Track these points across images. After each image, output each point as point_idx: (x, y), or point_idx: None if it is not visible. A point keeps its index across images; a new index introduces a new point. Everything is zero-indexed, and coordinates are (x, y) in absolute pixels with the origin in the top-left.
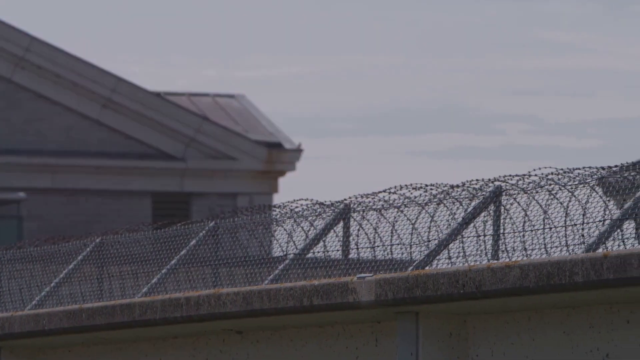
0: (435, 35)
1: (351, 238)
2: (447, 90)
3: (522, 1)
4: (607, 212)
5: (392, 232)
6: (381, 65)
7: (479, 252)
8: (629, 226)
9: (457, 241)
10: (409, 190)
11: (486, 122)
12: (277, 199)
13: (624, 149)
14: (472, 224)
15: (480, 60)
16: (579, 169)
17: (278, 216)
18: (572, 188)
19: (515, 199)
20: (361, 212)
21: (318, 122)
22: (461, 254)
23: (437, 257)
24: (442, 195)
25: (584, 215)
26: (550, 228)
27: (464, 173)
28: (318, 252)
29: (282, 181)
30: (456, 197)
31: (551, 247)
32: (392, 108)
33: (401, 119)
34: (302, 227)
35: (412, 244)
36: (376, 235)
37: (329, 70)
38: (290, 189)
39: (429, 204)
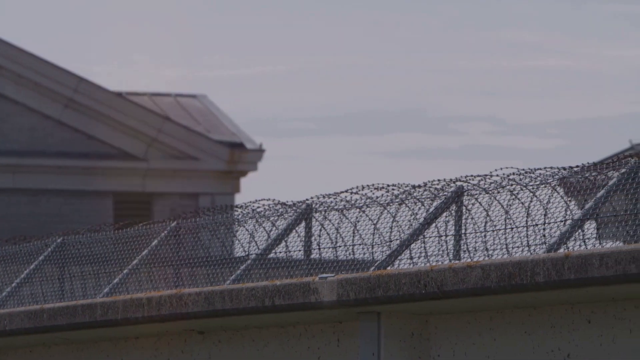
0: (397, 36)
1: (313, 238)
2: (409, 91)
3: (484, 2)
4: (568, 212)
5: (354, 232)
6: (343, 66)
7: (440, 252)
8: (590, 226)
9: (419, 241)
10: (371, 191)
11: (448, 122)
12: (239, 199)
13: (585, 149)
14: (433, 224)
15: (441, 60)
16: (541, 169)
17: (240, 216)
18: (533, 188)
19: (476, 199)
20: (323, 212)
21: (280, 122)
22: (423, 254)
23: (399, 257)
24: (404, 196)
25: (545, 215)
26: (512, 228)
27: (426, 173)
28: (280, 252)
29: (244, 181)
30: (418, 197)
31: (513, 247)
32: (353, 108)
33: (363, 119)
34: (264, 227)
35: (374, 244)
36: (338, 235)
37: (291, 70)
38: (252, 189)
39: (391, 204)
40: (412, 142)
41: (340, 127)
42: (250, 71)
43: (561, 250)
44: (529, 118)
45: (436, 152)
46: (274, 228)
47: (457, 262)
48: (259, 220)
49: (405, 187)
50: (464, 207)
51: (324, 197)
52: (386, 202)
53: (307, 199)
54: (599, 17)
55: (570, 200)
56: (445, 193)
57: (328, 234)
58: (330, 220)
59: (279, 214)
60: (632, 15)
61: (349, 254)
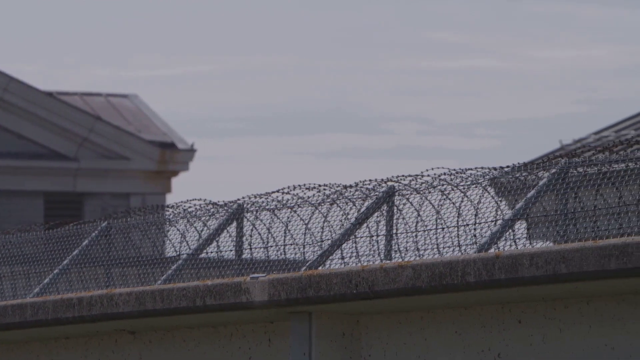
0: (326, 36)
1: (244, 238)
2: (338, 91)
3: (413, 2)
4: (499, 213)
5: (285, 232)
6: (272, 66)
7: (372, 252)
8: (520, 226)
9: (350, 241)
10: (303, 191)
11: (377, 122)
12: (170, 199)
13: (514, 150)
14: (365, 224)
15: (370, 60)
16: (472, 169)
17: (171, 216)
18: (464, 188)
19: (408, 199)
20: (254, 212)
21: (210, 122)
22: (354, 254)
23: (330, 257)
24: (335, 196)
25: (476, 215)
26: (443, 228)
27: (356, 173)
28: (211, 252)
29: (176, 181)
30: (349, 197)
31: (444, 247)
32: (283, 109)
33: (293, 119)
34: (195, 227)
35: (306, 244)
36: (269, 235)
37: (221, 70)
38: (184, 189)
39: (322, 204)
40: (342, 142)
41: (270, 127)
42: (181, 71)
43: (492, 250)
44: (458, 118)
45: (366, 152)
46: (205, 228)
47: (388, 262)
48: (191, 220)
49: (337, 187)
50: (395, 207)
51: (255, 197)
52: (318, 202)
53: (238, 199)
54: (527, 18)
55: (501, 201)
56: (377, 193)
57: (259, 233)
58: (261, 220)
59: (210, 213)
60: (560, 15)
61: (281, 254)
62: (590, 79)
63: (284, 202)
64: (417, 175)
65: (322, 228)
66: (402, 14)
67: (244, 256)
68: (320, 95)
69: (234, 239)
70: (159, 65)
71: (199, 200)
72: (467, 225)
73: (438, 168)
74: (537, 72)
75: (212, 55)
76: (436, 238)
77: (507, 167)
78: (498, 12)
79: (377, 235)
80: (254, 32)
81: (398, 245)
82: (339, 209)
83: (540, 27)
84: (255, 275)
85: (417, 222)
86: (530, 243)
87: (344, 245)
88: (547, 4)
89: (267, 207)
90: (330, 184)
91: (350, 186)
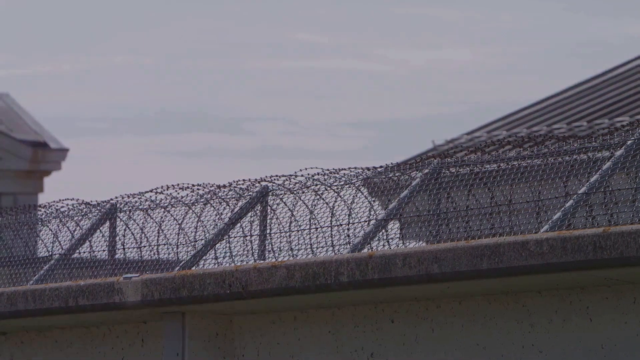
0: (187, 36)
1: (117, 238)
2: (200, 91)
3: (273, 2)
4: (372, 213)
5: (158, 233)
6: (134, 66)
7: (245, 252)
8: (393, 226)
9: (224, 241)
10: (176, 191)
11: (240, 123)
12: (42, 198)
13: (381, 150)
14: (238, 224)
15: (231, 61)
16: (345, 169)
17: (43, 216)
18: (338, 188)
19: (281, 199)
20: (128, 212)
21: (73, 122)
22: (228, 254)
23: (204, 258)
24: (209, 196)
25: (349, 215)
26: (317, 228)
27: (223, 173)
28: (84, 252)
29: (48, 181)
30: (223, 197)
31: (317, 247)
32: (146, 108)
33: (156, 119)
34: (68, 227)
35: (179, 244)
36: (143, 235)
37: (82, 69)
38: (57, 189)
39: (196, 204)
40: (207, 142)
41: (134, 127)
42: (40, 70)
43: (365, 250)
44: (322, 119)
45: (231, 152)
46: (78, 228)
47: (261, 262)
48: (63, 220)
49: (210, 187)
50: (269, 207)
51: (128, 196)
52: (191, 202)
53: (111, 199)
54: (389, 20)
55: (374, 201)
56: (250, 193)
57: (133, 234)
58: (134, 220)
59: (83, 213)
60: (421, 17)
61: (154, 254)
62: (455, 81)
63: (158, 202)
64: (290, 175)
65: (196, 228)
66: (263, 14)
67: (117, 256)
68: (182, 95)
69: (107, 239)
70: (17, 64)
71: (71, 200)
72: (341, 225)
73: (312, 168)
74: (401, 74)
75: (72, 55)
76: (310, 238)
77: (380, 167)
78: (359, 13)
79: (251, 235)
80: (115, 31)
81: (272, 245)
82: (212, 208)
83: (402, 28)
84: (129, 275)
85: (290, 222)
86: (403, 243)
87: (217, 246)
88: (408, 6)
89: (140, 207)
90: (204, 183)
91: (224, 186)
